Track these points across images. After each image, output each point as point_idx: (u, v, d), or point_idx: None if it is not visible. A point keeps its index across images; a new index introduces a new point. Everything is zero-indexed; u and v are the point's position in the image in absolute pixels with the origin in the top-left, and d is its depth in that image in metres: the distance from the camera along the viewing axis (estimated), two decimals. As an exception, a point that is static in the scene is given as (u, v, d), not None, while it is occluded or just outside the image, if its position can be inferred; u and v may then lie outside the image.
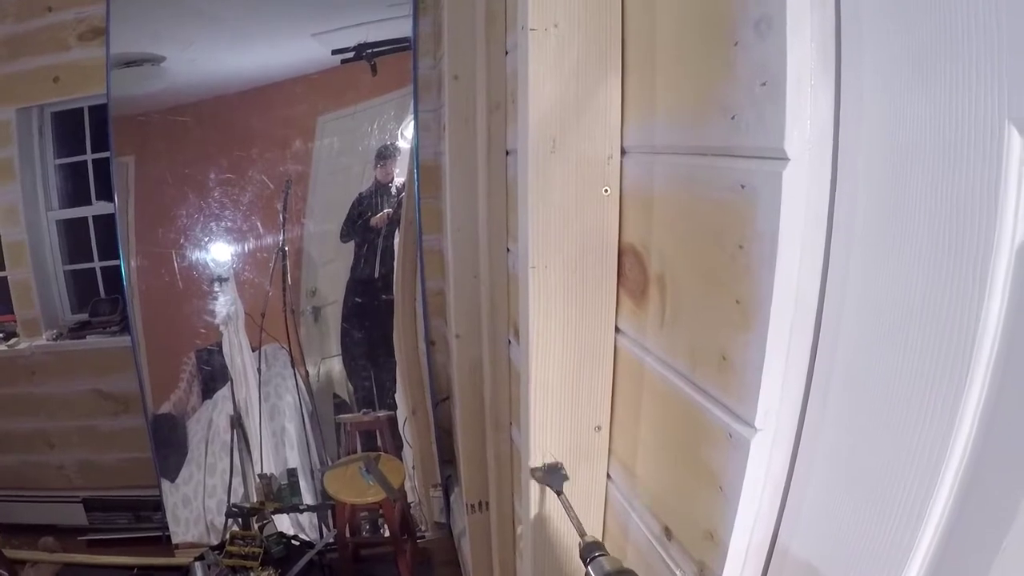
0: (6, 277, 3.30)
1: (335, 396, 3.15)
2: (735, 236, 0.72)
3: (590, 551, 0.83)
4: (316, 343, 3.13)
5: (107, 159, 2.89)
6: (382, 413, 3.09)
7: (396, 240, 3.03)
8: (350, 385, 3.13)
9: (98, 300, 3.39)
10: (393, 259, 3.03)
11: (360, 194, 3.00)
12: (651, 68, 0.89)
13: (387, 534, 2.84)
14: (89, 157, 3.33)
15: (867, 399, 0.62)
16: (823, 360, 0.70)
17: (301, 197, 2.97)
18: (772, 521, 0.78)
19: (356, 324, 3.10)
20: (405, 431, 3.10)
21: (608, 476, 1.11)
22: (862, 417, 0.63)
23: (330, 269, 3.09)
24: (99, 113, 2.95)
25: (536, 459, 1.05)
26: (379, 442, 3.08)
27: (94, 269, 3.44)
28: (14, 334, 3.35)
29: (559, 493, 1.02)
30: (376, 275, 3.05)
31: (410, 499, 3.08)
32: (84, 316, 3.39)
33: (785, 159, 0.65)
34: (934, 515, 0.56)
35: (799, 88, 0.63)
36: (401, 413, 3.11)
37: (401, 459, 3.05)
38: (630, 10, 0.94)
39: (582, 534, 0.88)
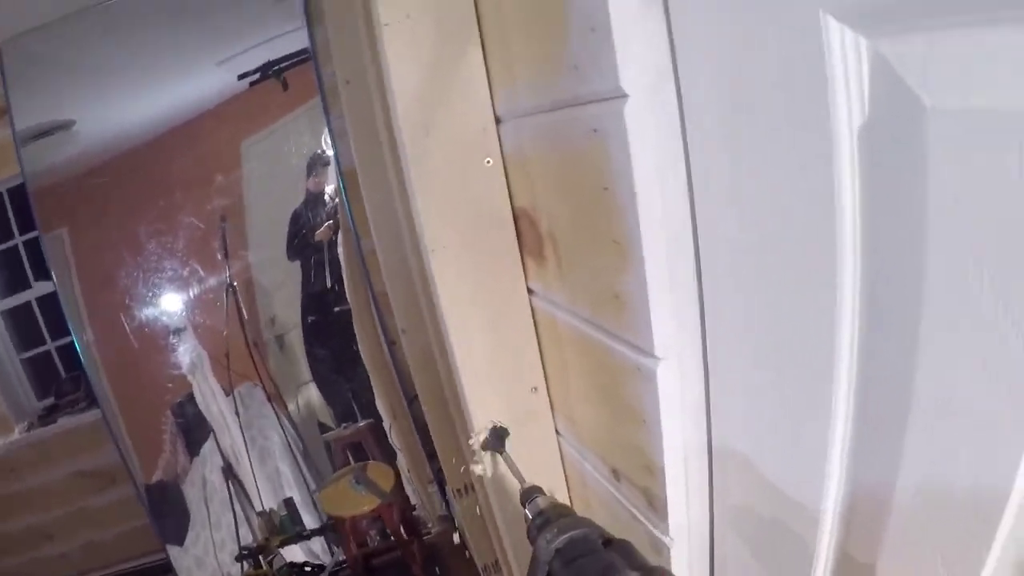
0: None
1: (320, 423, 3.13)
2: (599, 180, 0.75)
3: (528, 495, 0.87)
4: (287, 372, 3.10)
5: (37, 238, 2.84)
6: (362, 423, 3.09)
7: (340, 249, 3.01)
8: (330, 405, 3.12)
9: (60, 381, 3.35)
10: (341, 269, 3.02)
11: (296, 210, 2.97)
12: (505, 35, 0.91)
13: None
14: (19, 240, 3.27)
15: (757, 302, 0.65)
16: (709, 278, 0.73)
17: (239, 229, 2.94)
18: (703, 439, 0.81)
19: (320, 342, 3.08)
20: (392, 437, 3.10)
21: (557, 431, 1.14)
22: (756, 319, 0.66)
23: (283, 294, 3.06)
24: (20, 193, 2.89)
25: (481, 431, 1.08)
26: (367, 452, 3.09)
27: (49, 351, 3.40)
28: (-14, 437, 3.30)
29: (501, 452, 1.06)
30: (328, 288, 3.03)
31: (412, 501, 3.10)
32: (50, 400, 3.35)
33: (624, 96, 0.67)
34: (840, 384, 0.58)
35: (624, 28, 0.65)
36: (386, 421, 3.11)
37: (396, 465, 3.05)
38: (477, -18, 0.96)
39: (522, 482, 0.93)
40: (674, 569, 0.88)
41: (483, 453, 1.09)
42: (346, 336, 3.06)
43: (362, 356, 3.08)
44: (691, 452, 0.82)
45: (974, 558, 0.50)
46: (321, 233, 2.97)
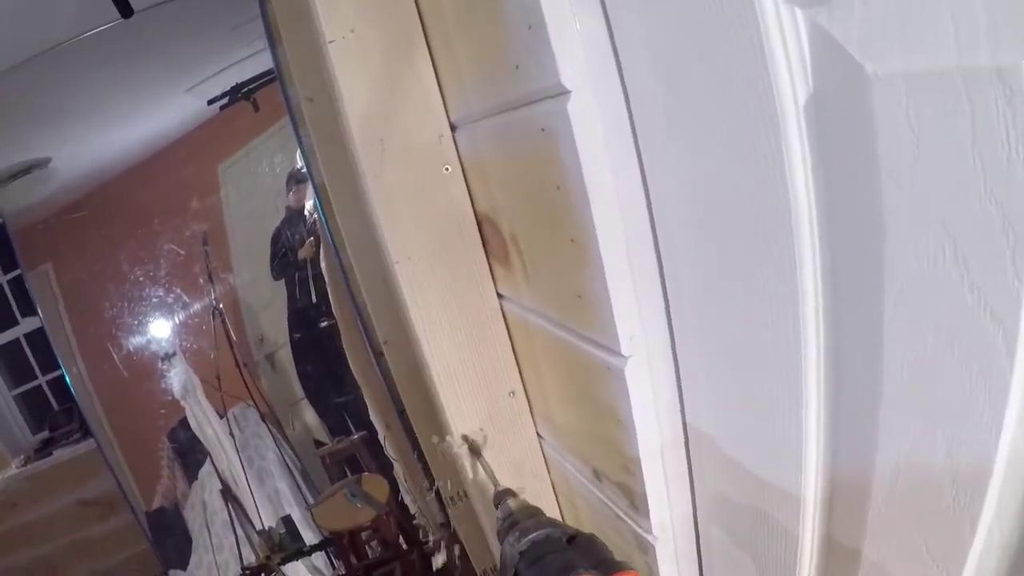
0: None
1: (315, 440, 3.12)
2: (552, 179, 0.74)
3: (499, 498, 0.89)
4: (281, 390, 3.09)
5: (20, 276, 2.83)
6: (355, 436, 3.08)
7: (323, 264, 3.00)
8: (323, 419, 3.11)
9: (53, 414, 3.35)
10: (325, 284, 3.01)
11: (276, 229, 2.96)
12: (450, 40, 0.90)
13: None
14: (3, 279, 3.26)
15: (720, 289, 0.65)
16: (671, 269, 0.72)
17: (222, 251, 2.93)
18: (679, 433, 0.81)
19: (309, 358, 3.07)
20: (387, 448, 3.08)
21: (539, 435, 1.13)
22: (721, 307, 0.66)
23: (270, 312, 3.05)
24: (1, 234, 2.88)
25: (458, 439, 1.08)
26: (362, 464, 3.08)
27: (40, 385, 3.39)
28: (-15, 474, 3.30)
29: (479, 455, 1.06)
30: (314, 303, 3.02)
31: (412, 511, 3.08)
32: (45, 434, 3.34)
33: (566, 92, 0.67)
34: (810, 367, 0.57)
35: (560, 22, 0.65)
36: (380, 432, 3.09)
37: (394, 476, 3.04)
38: (418, -8, 0.95)
39: (496, 485, 0.95)
40: (661, 565, 0.87)
41: (463, 461, 1.09)
42: (335, 350, 3.05)
43: (352, 369, 3.07)
44: (667, 447, 0.81)
45: (958, 544, 0.49)
46: (304, 250, 2.95)
